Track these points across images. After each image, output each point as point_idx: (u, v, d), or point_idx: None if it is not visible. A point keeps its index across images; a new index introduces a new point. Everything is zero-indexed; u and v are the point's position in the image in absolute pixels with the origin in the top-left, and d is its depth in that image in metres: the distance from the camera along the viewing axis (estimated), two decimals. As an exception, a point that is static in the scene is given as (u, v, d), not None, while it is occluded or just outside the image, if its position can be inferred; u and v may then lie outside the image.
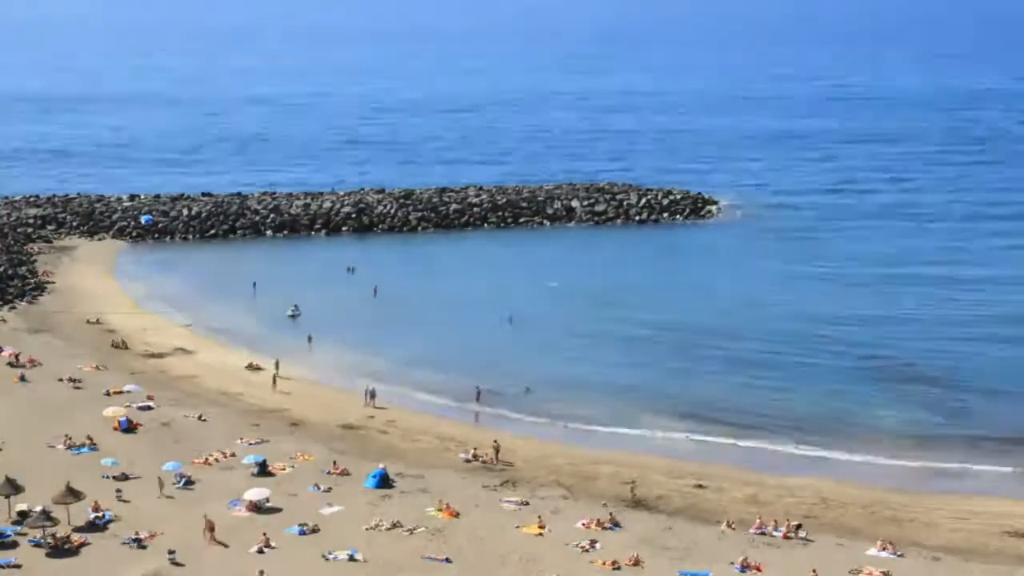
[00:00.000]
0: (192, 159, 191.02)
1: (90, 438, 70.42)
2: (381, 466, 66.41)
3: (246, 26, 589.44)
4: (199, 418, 76.00)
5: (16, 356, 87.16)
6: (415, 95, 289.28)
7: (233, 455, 69.40)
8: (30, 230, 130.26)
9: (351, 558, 54.99)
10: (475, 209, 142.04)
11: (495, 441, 70.98)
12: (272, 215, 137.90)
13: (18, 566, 53.94)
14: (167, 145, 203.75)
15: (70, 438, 70.46)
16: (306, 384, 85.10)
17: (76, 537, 56.72)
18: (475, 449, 71.09)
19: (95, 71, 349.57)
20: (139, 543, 56.34)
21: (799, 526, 59.88)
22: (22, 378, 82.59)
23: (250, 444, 71.25)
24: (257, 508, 60.87)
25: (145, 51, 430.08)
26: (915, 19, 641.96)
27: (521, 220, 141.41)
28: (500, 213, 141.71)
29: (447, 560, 55.24)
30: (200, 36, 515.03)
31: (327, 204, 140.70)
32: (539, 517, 60.09)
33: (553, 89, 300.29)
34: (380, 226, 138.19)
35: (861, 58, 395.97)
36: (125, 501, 61.55)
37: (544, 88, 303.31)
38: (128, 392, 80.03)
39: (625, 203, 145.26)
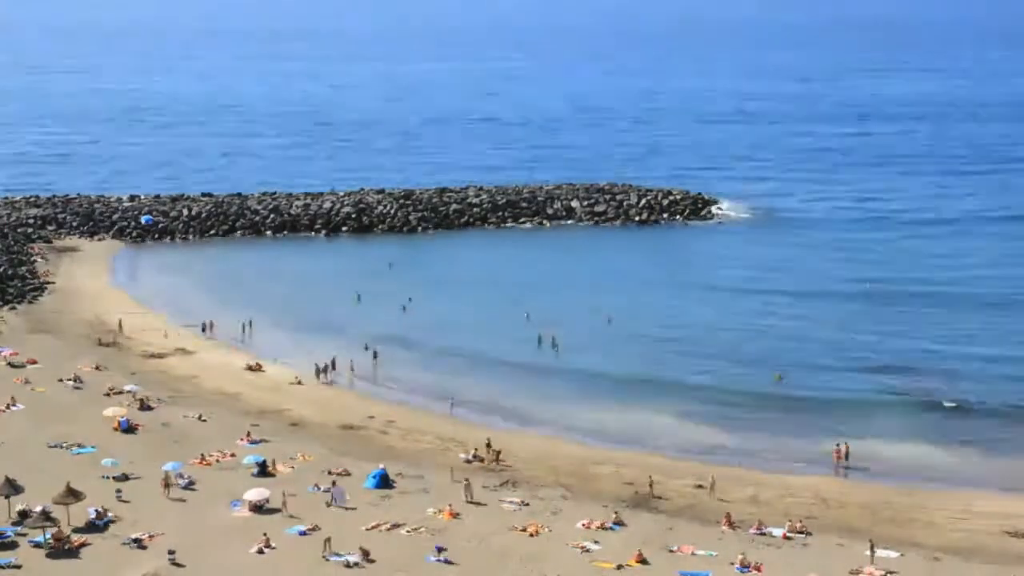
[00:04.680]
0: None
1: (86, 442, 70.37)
2: (381, 466, 66.41)
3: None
4: (199, 418, 76.01)
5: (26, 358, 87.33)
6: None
7: (233, 455, 69.43)
8: (30, 230, 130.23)
9: (348, 565, 54.75)
10: (475, 209, 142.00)
11: (490, 443, 70.94)
12: (272, 215, 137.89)
13: (18, 566, 53.91)
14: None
15: (75, 440, 70.39)
16: (312, 385, 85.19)
17: (76, 537, 56.70)
18: (475, 450, 71.15)
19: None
20: (139, 543, 56.34)
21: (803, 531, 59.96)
22: (26, 380, 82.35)
23: (251, 443, 71.34)
24: (257, 508, 60.84)
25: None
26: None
27: (521, 220, 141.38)
28: (500, 213, 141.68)
29: (447, 561, 55.22)
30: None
31: (327, 204, 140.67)
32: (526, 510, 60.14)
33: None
34: (380, 226, 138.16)
35: (868, 63, 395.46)
36: (125, 501, 61.52)
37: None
38: (128, 392, 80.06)
39: (625, 203, 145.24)
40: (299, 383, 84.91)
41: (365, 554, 54.85)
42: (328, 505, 61.45)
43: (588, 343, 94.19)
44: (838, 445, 71.80)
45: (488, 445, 70.56)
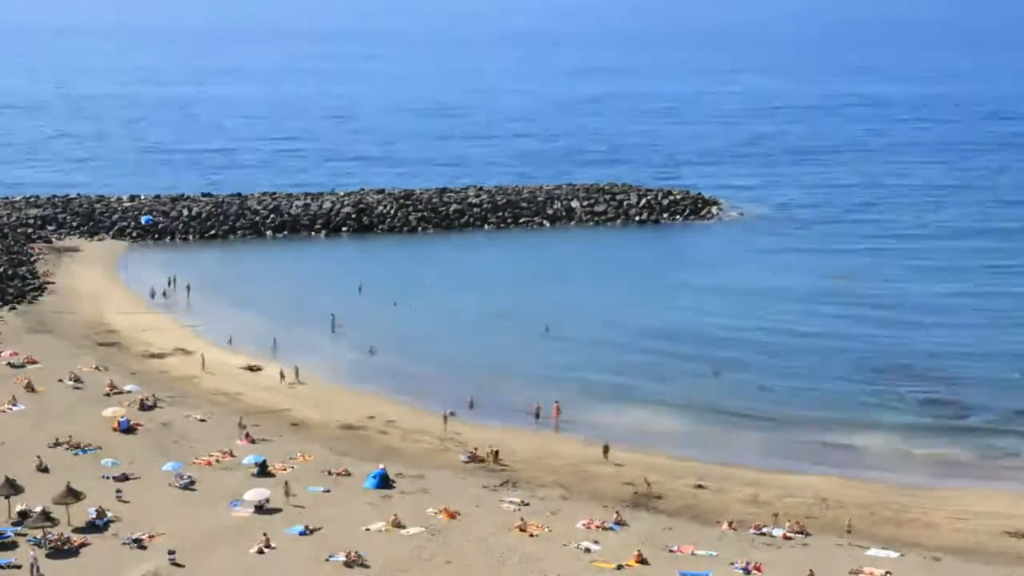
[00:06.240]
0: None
1: (85, 443, 70.28)
2: (381, 466, 66.43)
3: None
4: (199, 419, 75.98)
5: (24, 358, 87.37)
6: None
7: (233, 455, 69.44)
8: (30, 230, 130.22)
9: (348, 565, 54.70)
10: (475, 209, 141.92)
11: (491, 447, 71.07)
12: (272, 215, 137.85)
13: (18, 566, 53.90)
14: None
15: (75, 440, 70.36)
16: (313, 385, 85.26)
17: (76, 537, 56.72)
18: (475, 449, 71.22)
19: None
20: (139, 543, 56.35)
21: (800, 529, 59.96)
22: (26, 380, 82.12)
23: (250, 443, 71.38)
24: (258, 508, 60.85)
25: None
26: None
27: (521, 220, 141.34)
28: (500, 213, 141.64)
29: (447, 561, 55.23)
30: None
31: (327, 204, 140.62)
32: (522, 519, 60.17)
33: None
34: (380, 226, 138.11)
35: (867, 64, 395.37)
36: (125, 501, 61.54)
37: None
38: (128, 392, 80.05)
39: (625, 203, 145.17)
40: (298, 384, 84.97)
41: (349, 556, 54.82)
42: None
43: (587, 342, 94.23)
44: (556, 402, 78.57)
45: (496, 453, 70.55)
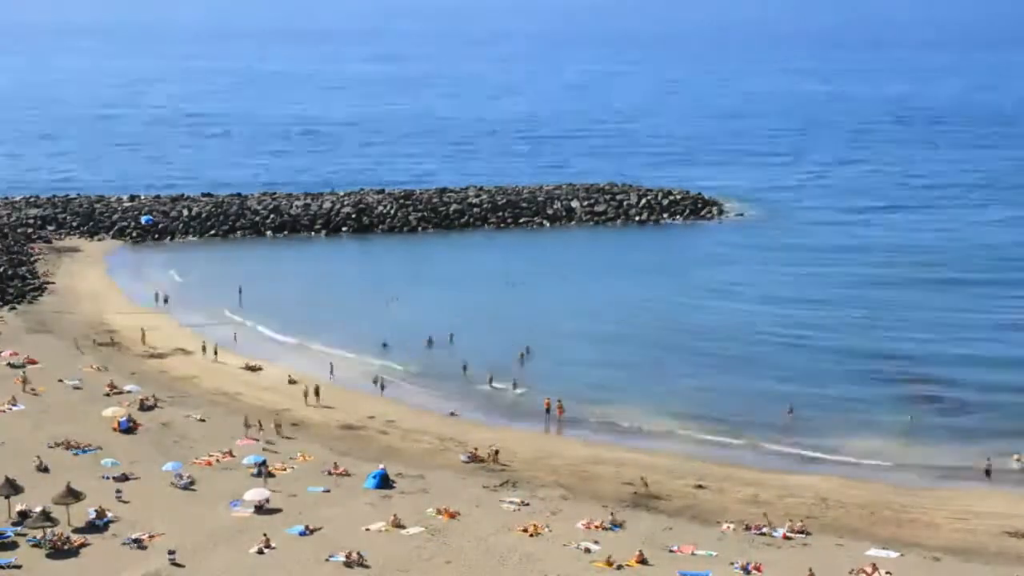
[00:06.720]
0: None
1: (82, 443, 70.31)
2: (381, 466, 66.44)
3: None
4: (199, 419, 75.98)
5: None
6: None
7: (233, 455, 69.44)
8: (30, 230, 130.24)
9: (348, 565, 54.71)
10: (475, 209, 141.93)
11: (491, 447, 71.10)
12: (272, 215, 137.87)
13: (18, 566, 53.94)
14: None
15: (75, 440, 70.36)
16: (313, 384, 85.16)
17: (76, 538, 56.71)
18: (475, 449, 71.23)
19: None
20: (139, 543, 56.34)
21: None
22: (26, 380, 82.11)
23: (251, 444, 71.40)
24: (258, 508, 60.86)
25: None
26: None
27: (521, 220, 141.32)
28: (500, 213, 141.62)
29: (447, 561, 55.21)
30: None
31: (327, 204, 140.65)
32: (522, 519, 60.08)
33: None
34: (380, 226, 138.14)
35: (865, 63, 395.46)
36: (125, 502, 61.54)
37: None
38: (128, 392, 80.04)
39: (625, 203, 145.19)
40: (294, 382, 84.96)
41: (349, 556, 54.84)
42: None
43: (587, 343, 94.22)
44: (559, 400, 78.61)
45: (496, 453, 70.57)
